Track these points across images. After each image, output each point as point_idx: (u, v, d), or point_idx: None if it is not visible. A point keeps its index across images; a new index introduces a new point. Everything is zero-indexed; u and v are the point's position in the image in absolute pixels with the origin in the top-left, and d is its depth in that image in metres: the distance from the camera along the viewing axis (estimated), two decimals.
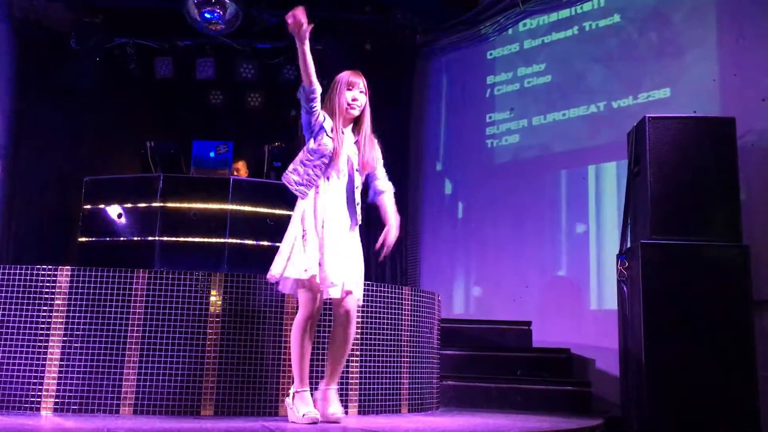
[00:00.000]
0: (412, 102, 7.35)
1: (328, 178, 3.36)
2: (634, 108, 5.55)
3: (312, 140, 3.37)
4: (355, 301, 3.36)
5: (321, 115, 3.38)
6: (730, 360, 4.05)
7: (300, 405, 3.28)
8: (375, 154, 3.49)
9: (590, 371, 5.35)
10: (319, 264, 3.24)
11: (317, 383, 3.43)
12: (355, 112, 3.44)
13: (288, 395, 3.40)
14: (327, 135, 3.36)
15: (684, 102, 5.19)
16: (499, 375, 5.09)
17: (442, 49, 7.25)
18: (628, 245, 4.71)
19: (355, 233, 3.44)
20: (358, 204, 3.43)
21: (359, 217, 3.44)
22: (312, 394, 3.35)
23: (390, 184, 3.55)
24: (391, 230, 3.41)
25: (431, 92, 7.32)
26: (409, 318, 4.15)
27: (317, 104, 3.36)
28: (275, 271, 3.30)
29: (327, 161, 3.35)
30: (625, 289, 4.48)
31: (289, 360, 3.45)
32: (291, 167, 3.38)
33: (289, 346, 3.39)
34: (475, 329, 5.71)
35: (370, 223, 3.94)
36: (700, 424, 3.99)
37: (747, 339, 4.08)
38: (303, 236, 3.27)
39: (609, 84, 5.86)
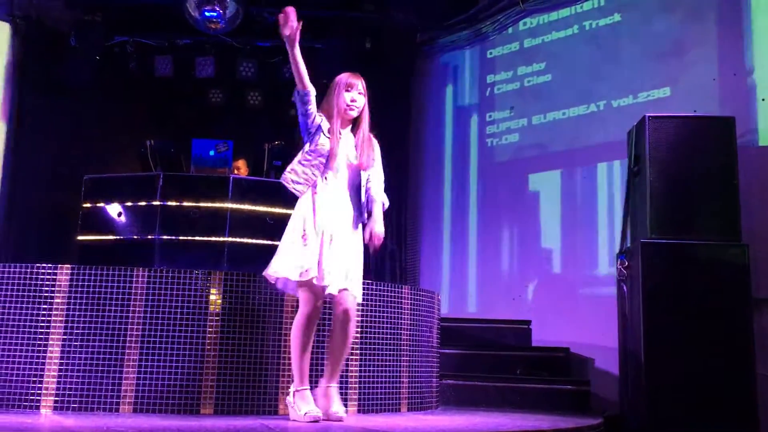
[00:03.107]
0: (412, 100, 7.34)
1: (325, 178, 3.38)
2: (634, 107, 5.55)
3: (309, 142, 3.40)
4: (353, 300, 3.34)
5: (317, 117, 3.41)
6: (729, 359, 4.05)
7: (301, 403, 3.29)
8: (373, 155, 3.51)
9: (589, 370, 5.35)
10: (318, 262, 3.25)
11: (317, 381, 3.43)
12: (354, 114, 3.46)
13: (289, 394, 3.41)
14: (324, 135, 3.39)
15: (684, 101, 5.19)
16: (498, 374, 5.08)
17: (442, 48, 7.25)
18: (628, 244, 4.71)
19: (358, 232, 3.44)
20: (364, 203, 3.45)
21: (365, 216, 3.45)
22: (312, 392, 3.36)
23: (384, 195, 3.50)
24: (372, 237, 3.36)
25: (431, 91, 7.32)
26: (409, 317, 4.15)
27: (312, 106, 3.39)
28: (273, 269, 3.31)
29: (324, 161, 3.37)
30: (624, 288, 4.48)
31: (290, 358, 3.45)
32: (289, 167, 3.41)
33: (290, 345, 3.39)
34: (475, 328, 5.71)
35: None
36: (698, 423, 3.99)
37: (746, 337, 4.08)
38: (303, 236, 3.29)
39: (609, 83, 5.86)
